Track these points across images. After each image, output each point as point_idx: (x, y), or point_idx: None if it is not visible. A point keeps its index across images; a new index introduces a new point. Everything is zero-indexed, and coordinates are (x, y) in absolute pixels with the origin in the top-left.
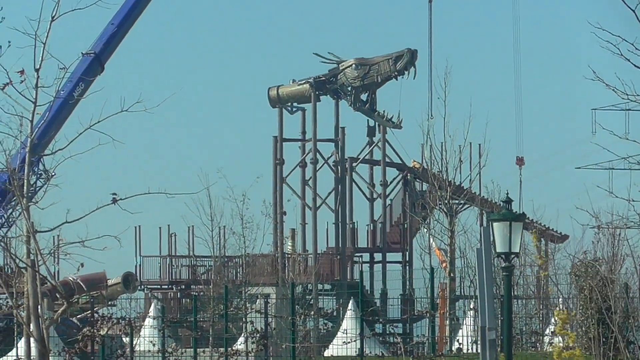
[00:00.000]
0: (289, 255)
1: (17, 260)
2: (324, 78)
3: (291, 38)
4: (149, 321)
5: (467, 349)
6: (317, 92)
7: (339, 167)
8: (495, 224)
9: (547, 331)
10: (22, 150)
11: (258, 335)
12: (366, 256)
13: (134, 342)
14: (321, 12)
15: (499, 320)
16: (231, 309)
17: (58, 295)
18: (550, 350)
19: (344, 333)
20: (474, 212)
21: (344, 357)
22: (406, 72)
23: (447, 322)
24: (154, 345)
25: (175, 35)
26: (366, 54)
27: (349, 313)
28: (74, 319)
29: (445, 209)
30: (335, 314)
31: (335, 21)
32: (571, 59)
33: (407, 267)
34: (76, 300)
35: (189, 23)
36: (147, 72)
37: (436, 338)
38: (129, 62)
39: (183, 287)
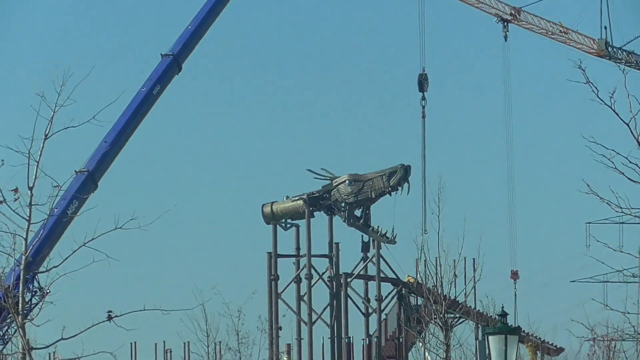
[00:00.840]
0: None
1: None
2: (317, 194)
3: (284, 154)
4: None
5: None
6: (311, 208)
7: (333, 282)
8: (491, 338)
9: None
10: (17, 268)
11: None
12: None
13: None
14: (315, 128)
15: None
16: None
17: None
18: None
19: None
20: (470, 326)
21: None
22: (400, 188)
23: None
24: None
25: (169, 153)
26: (359, 169)
27: None
28: None
29: (440, 323)
30: None
31: (329, 137)
32: (565, 172)
33: None
34: None
35: (182, 138)
36: (141, 189)
37: None
38: (122, 178)
39: None
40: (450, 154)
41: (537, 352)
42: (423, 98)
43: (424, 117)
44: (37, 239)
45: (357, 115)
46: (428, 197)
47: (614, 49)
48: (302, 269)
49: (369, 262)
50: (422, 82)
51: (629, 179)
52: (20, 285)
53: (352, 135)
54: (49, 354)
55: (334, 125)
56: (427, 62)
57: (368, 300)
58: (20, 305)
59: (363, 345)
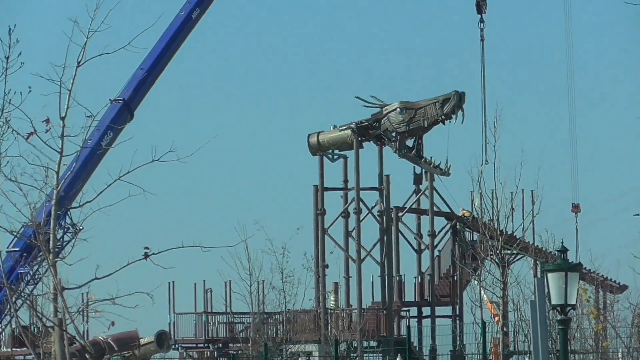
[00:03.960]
0: (332, 311)
1: (44, 320)
2: (366, 123)
3: (331, 81)
4: None
5: None
6: (359, 138)
7: (384, 217)
8: (550, 275)
9: None
10: (48, 203)
11: None
12: (414, 310)
13: None
14: (363, 53)
15: None
16: None
17: (88, 356)
18: None
19: None
20: (528, 263)
21: None
22: (454, 116)
23: None
24: None
25: (208, 81)
26: (411, 97)
27: None
28: None
29: (497, 260)
30: None
31: (378, 63)
32: (632, 97)
33: (457, 322)
34: None
35: (221, 68)
36: (180, 119)
37: None
38: (160, 108)
39: (220, 345)
40: (506, 80)
41: (600, 289)
42: (481, 20)
43: (482, 40)
44: (69, 172)
45: (408, 38)
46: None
47: None
48: (350, 203)
49: (421, 195)
50: (480, 4)
51: None
52: (52, 221)
53: (403, 60)
54: (82, 294)
55: (384, 50)
56: None
57: (420, 236)
58: (51, 242)
59: (415, 284)
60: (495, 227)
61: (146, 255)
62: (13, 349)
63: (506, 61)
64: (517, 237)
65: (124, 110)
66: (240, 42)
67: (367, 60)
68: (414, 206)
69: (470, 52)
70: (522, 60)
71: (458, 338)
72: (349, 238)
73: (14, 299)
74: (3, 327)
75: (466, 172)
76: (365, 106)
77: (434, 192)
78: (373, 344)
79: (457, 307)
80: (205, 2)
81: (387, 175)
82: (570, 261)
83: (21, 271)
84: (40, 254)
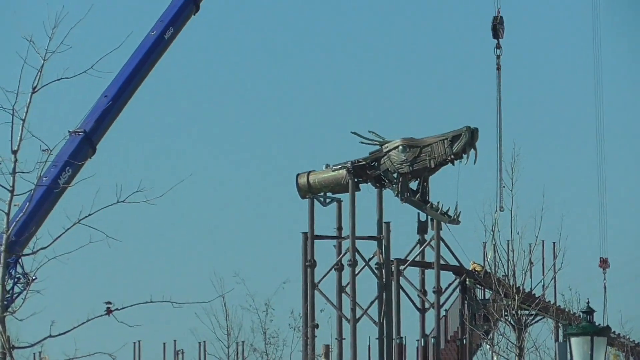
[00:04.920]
0: None
1: None
2: (364, 162)
3: (323, 115)
4: None
5: None
6: (356, 180)
7: (383, 271)
8: (573, 340)
9: None
10: None
11: None
12: None
13: None
14: (360, 82)
15: None
16: None
17: None
18: None
19: None
20: (548, 325)
21: None
22: (465, 155)
23: None
24: None
25: (183, 112)
26: (415, 133)
27: None
28: None
29: (512, 322)
30: None
31: (377, 95)
32: None
33: None
34: None
35: (200, 94)
36: (149, 155)
37: None
38: (126, 142)
39: None
40: (525, 116)
41: (630, 357)
42: (498, 46)
43: (499, 68)
44: (21, 213)
45: (412, 66)
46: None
47: None
48: (344, 254)
49: (426, 246)
50: (497, 27)
51: None
52: (1, 269)
53: (406, 91)
54: (34, 353)
55: (383, 80)
56: (502, 3)
57: (425, 293)
58: (0, 294)
59: (417, 348)
60: (511, 283)
61: (109, 311)
62: None
63: (526, 94)
64: (536, 295)
65: (85, 144)
66: (221, 64)
67: (365, 92)
68: (417, 258)
69: (484, 83)
70: (544, 93)
71: None
72: (343, 294)
73: None
74: None
75: (478, 220)
76: (362, 143)
77: (441, 242)
78: None
79: None
80: (180, 21)
81: (388, 223)
82: (597, 324)
83: None
84: None
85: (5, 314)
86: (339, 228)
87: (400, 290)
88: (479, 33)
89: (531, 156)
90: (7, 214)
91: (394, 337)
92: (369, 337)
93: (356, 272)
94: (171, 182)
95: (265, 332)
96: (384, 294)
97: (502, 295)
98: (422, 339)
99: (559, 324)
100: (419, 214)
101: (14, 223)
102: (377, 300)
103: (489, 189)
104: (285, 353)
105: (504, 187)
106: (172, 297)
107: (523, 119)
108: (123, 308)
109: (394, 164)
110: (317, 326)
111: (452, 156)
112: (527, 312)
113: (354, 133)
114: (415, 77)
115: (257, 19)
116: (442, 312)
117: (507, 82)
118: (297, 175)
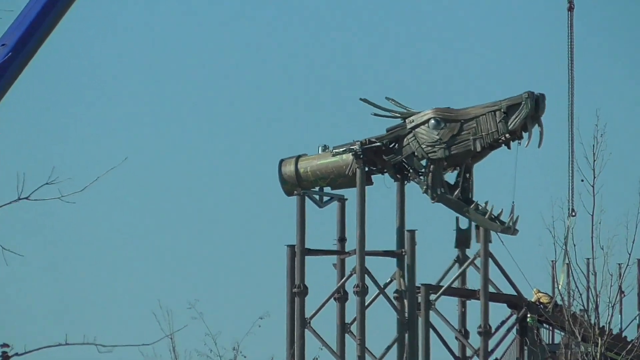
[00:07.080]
0: None
1: None
2: (378, 144)
3: (324, 76)
4: None
5: None
6: (366, 169)
7: (405, 301)
8: None
9: None
10: None
11: None
12: None
13: None
14: (367, 37)
15: None
16: None
17: None
18: None
19: None
20: None
21: None
22: (525, 135)
23: None
24: None
25: (118, 66)
26: (453, 102)
27: None
28: None
29: None
30: None
31: (391, 49)
32: None
33: None
34: None
35: (141, 44)
36: (65, 130)
37: None
38: (33, 110)
39: None
40: (611, 77)
41: None
42: None
43: (571, 9)
44: None
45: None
46: (576, 150)
47: None
48: (349, 277)
49: (468, 265)
50: None
51: None
52: None
53: (435, 44)
54: None
55: (398, 29)
56: None
57: (466, 335)
58: None
59: None
60: (592, 321)
61: (5, 357)
62: None
63: (612, 45)
64: (629, 339)
65: None
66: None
67: (375, 45)
68: (455, 284)
69: (550, 28)
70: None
71: None
72: (346, 334)
73: None
74: None
75: (545, 229)
76: (376, 115)
77: (490, 261)
78: None
79: None
80: None
81: (412, 232)
82: None
83: None
84: None
85: None
86: (342, 239)
87: (430, 330)
88: None
89: (623, 135)
90: None
91: None
92: None
93: (366, 304)
94: (95, 171)
95: None
96: (406, 335)
97: (579, 339)
98: None
99: None
100: (458, 219)
101: None
102: (395, 345)
103: (559, 184)
104: None
105: (582, 180)
106: (96, 338)
107: (609, 81)
108: (25, 353)
109: (423, 146)
110: None
111: (507, 135)
112: None
113: (364, 100)
114: (445, 25)
115: None
116: None
117: (581, 28)
118: (281, 161)
